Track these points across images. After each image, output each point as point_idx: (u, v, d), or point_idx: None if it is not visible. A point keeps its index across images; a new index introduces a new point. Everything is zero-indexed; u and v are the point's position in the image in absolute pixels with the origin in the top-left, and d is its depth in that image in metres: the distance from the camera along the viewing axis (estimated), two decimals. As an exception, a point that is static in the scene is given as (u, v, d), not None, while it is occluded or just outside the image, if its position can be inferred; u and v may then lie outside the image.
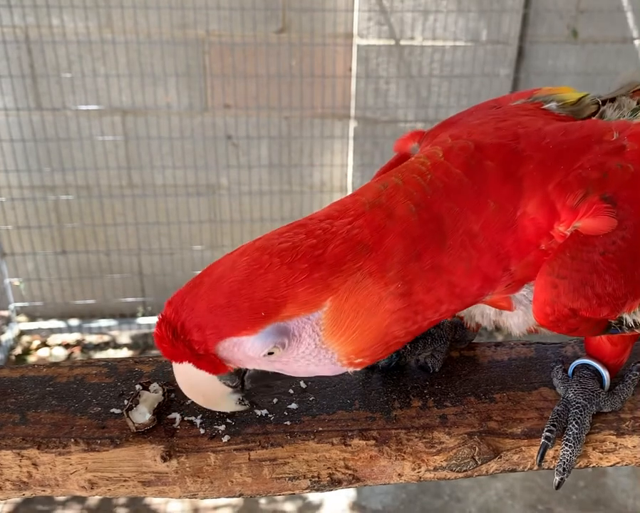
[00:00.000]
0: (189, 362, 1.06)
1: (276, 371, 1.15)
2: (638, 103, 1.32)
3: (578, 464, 1.29)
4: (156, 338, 1.07)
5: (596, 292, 1.11)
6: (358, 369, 1.15)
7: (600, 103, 1.33)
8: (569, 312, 1.12)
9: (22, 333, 5.01)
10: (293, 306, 1.03)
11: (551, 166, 1.15)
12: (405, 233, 1.08)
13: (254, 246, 1.08)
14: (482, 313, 1.35)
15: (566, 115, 1.30)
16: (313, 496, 3.77)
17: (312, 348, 1.09)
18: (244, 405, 1.20)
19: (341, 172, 4.82)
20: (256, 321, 1.03)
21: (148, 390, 1.30)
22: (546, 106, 1.32)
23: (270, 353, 1.07)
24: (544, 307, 1.14)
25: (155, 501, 3.67)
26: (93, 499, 3.67)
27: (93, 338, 5.05)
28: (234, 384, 1.15)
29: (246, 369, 1.15)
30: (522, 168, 1.15)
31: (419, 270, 1.08)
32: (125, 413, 1.24)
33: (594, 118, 1.30)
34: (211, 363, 1.07)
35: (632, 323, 1.19)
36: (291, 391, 1.34)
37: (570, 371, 1.38)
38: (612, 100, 1.34)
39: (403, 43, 4.44)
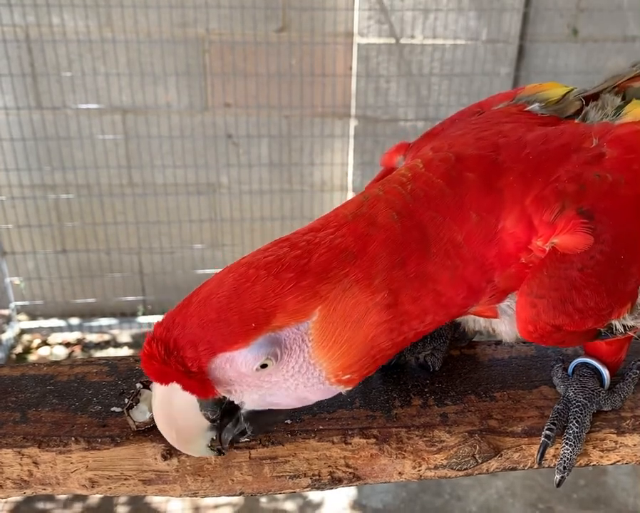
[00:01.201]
0: (179, 382, 1.03)
1: (267, 405, 1.11)
2: (622, 99, 1.31)
3: (578, 463, 1.29)
4: (144, 357, 1.03)
5: (577, 307, 1.10)
6: (349, 388, 1.13)
7: (583, 100, 1.32)
8: (551, 328, 1.12)
9: (23, 331, 5.02)
10: (283, 315, 1.02)
11: (530, 178, 1.14)
12: (388, 240, 1.07)
13: (239, 264, 1.07)
14: (473, 320, 1.35)
15: (549, 115, 1.30)
16: (314, 495, 3.77)
17: (301, 363, 1.07)
18: (213, 450, 1.14)
19: (341, 171, 4.82)
20: (247, 333, 1.01)
21: (149, 389, 1.30)
22: (529, 108, 1.31)
23: (263, 366, 1.05)
24: (526, 325, 1.14)
25: (155, 500, 3.67)
26: (94, 498, 3.67)
27: (93, 337, 5.05)
28: (214, 416, 1.10)
29: (230, 402, 1.10)
30: (502, 180, 1.14)
31: (404, 277, 1.07)
32: (125, 412, 1.24)
33: (575, 121, 1.29)
34: (201, 382, 1.04)
35: (622, 328, 1.19)
36: (291, 390, 1.34)
37: (570, 370, 1.38)
38: (596, 97, 1.33)
39: (403, 41, 4.44)
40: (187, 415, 1.08)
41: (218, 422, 1.11)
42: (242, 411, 1.11)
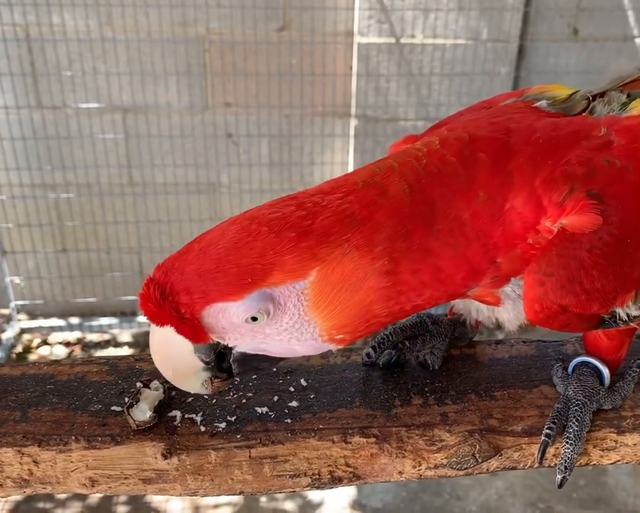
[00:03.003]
0: (173, 325, 1.06)
1: (259, 351, 1.14)
2: (627, 96, 1.32)
3: (578, 462, 1.29)
4: (142, 298, 1.06)
5: (585, 288, 1.12)
6: (340, 346, 1.15)
7: (590, 99, 1.33)
8: (558, 308, 1.13)
9: (23, 331, 5.02)
10: (279, 273, 1.04)
11: (540, 161, 1.16)
12: (395, 211, 1.09)
13: (244, 216, 1.09)
14: (477, 309, 1.35)
15: (556, 112, 1.31)
16: (314, 495, 3.77)
17: (295, 319, 1.09)
18: (207, 388, 1.17)
19: (341, 171, 4.81)
20: (242, 287, 1.04)
21: (149, 388, 1.30)
22: (536, 104, 1.33)
23: (254, 319, 1.07)
24: (532, 304, 1.15)
25: (155, 499, 3.67)
26: (94, 497, 3.67)
27: (93, 337, 5.05)
28: (208, 360, 1.13)
29: (225, 346, 1.13)
30: (512, 162, 1.16)
31: (406, 249, 1.09)
32: (125, 411, 1.24)
33: (583, 114, 1.30)
34: (193, 328, 1.07)
35: (626, 317, 1.20)
36: (291, 389, 1.34)
37: (570, 369, 1.38)
38: (602, 95, 1.34)
39: (403, 41, 4.44)
40: (182, 356, 1.11)
41: (212, 364, 1.14)
42: (233, 352, 1.14)
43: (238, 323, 1.08)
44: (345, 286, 1.07)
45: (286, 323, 1.10)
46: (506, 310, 1.27)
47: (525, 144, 1.18)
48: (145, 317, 1.08)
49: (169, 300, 1.04)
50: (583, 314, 1.16)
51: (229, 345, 1.13)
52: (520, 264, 1.16)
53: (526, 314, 1.18)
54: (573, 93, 1.35)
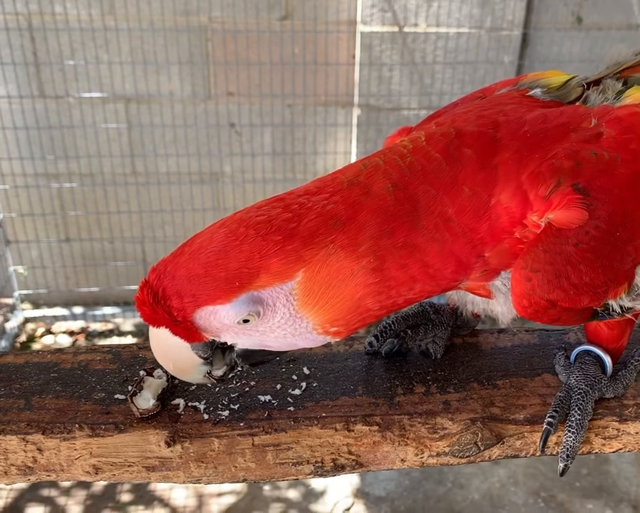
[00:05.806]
0: (167, 327, 1.09)
1: (259, 346, 1.17)
2: (624, 84, 1.31)
3: (580, 451, 1.29)
4: (137, 301, 1.10)
5: (573, 282, 1.11)
6: (337, 339, 1.17)
7: (585, 86, 1.32)
8: (546, 304, 1.13)
9: (26, 320, 5.03)
10: (266, 276, 1.07)
11: (527, 155, 1.15)
12: (379, 209, 1.10)
13: (232, 219, 1.12)
14: (472, 301, 1.36)
15: (551, 100, 1.30)
16: (317, 483, 3.79)
17: (287, 317, 1.11)
18: (210, 379, 1.20)
19: (344, 160, 4.81)
20: (230, 290, 1.06)
21: (152, 376, 1.31)
22: (531, 93, 1.31)
23: (245, 321, 1.10)
24: (521, 300, 1.15)
25: (159, 487, 3.69)
26: (98, 485, 3.69)
27: (97, 326, 5.07)
28: (206, 355, 1.16)
29: (220, 342, 1.16)
30: (497, 156, 1.15)
31: (391, 246, 1.10)
32: (129, 399, 1.25)
33: (576, 104, 1.29)
34: (187, 330, 1.10)
35: (619, 309, 1.20)
36: (294, 377, 1.34)
37: (572, 358, 1.38)
38: (598, 83, 1.32)
39: (406, 29, 4.43)
40: (180, 353, 1.15)
41: (210, 359, 1.17)
42: (235, 349, 1.17)
43: (230, 324, 1.11)
44: (332, 283, 1.09)
45: (278, 322, 1.12)
46: (499, 303, 1.27)
47: (512, 138, 1.17)
48: (142, 319, 1.11)
49: (162, 304, 1.07)
50: (573, 308, 1.15)
51: (229, 343, 1.16)
52: (509, 258, 1.16)
53: (515, 308, 1.19)
54: (569, 80, 1.33)
